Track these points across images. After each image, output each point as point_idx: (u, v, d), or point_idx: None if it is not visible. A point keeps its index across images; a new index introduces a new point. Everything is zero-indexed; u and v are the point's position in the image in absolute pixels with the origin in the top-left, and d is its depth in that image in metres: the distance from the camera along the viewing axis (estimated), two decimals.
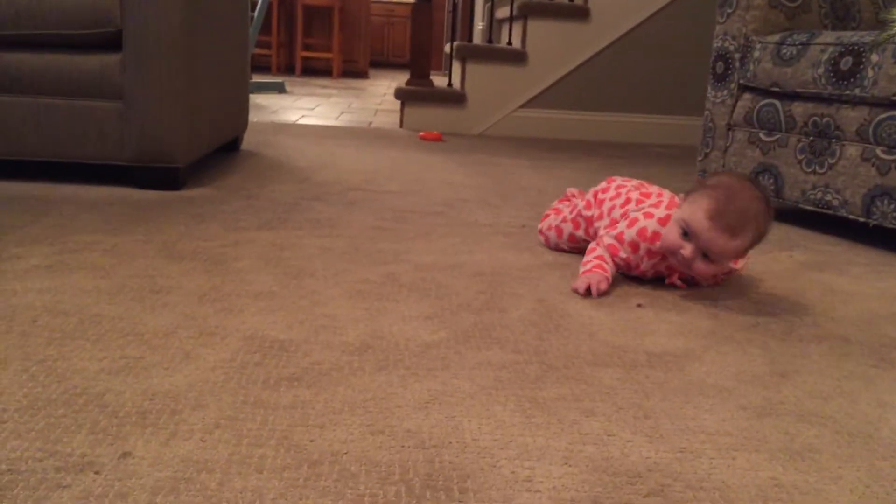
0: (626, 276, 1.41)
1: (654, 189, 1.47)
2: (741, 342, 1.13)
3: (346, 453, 0.75)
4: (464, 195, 2.15)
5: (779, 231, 1.92)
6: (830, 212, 1.83)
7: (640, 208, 1.38)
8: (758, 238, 1.26)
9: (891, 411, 0.93)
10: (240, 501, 0.66)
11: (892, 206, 1.68)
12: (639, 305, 1.26)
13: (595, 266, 1.33)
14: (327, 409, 0.83)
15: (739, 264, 1.40)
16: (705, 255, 1.25)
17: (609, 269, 1.33)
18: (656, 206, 1.37)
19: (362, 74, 8.33)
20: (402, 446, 0.77)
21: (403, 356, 0.99)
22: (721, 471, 0.76)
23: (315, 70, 8.09)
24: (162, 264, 1.31)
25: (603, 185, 1.52)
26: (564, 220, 1.57)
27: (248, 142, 2.85)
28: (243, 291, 1.20)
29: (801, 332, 1.19)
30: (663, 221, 1.32)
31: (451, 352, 1.02)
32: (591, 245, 1.40)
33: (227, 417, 0.80)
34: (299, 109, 4.35)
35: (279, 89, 5.41)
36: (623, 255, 1.35)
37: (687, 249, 1.25)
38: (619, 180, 1.51)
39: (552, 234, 1.59)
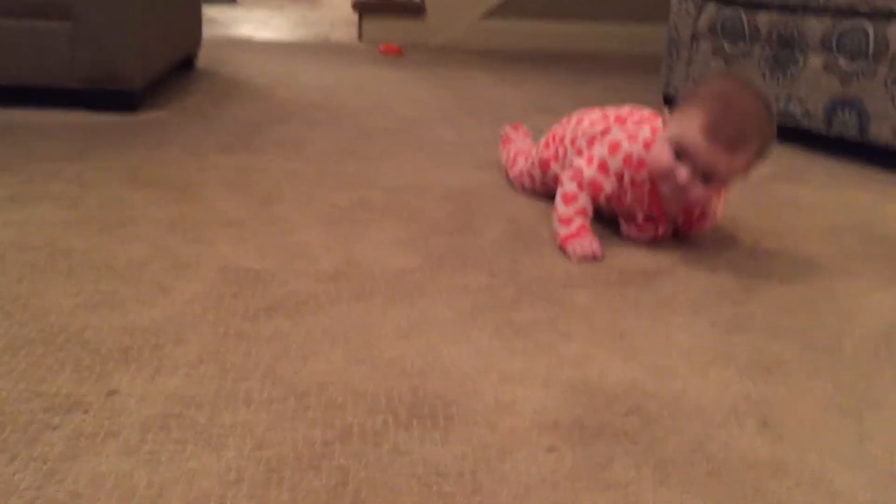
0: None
1: (625, 110, 1.27)
2: (709, 258, 1.15)
3: (331, 384, 0.76)
4: (427, 112, 2.12)
5: None
6: (793, 123, 1.84)
7: (622, 130, 1.20)
8: (763, 150, 1.09)
9: (853, 323, 0.96)
10: (231, 436, 0.67)
11: (853, 117, 1.71)
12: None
13: (580, 228, 1.15)
14: (308, 340, 0.84)
15: (719, 212, 1.23)
16: (704, 176, 1.08)
17: (590, 216, 1.18)
18: (639, 123, 1.20)
19: None
20: (386, 376, 0.78)
21: (379, 283, 1.00)
22: (695, 388, 0.79)
23: None
24: (127, 192, 1.29)
25: (563, 120, 1.37)
26: (533, 165, 1.39)
27: (203, 59, 2.76)
28: (212, 220, 1.19)
29: (766, 245, 1.22)
30: (650, 145, 1.15)
31: (426, 278, 1.02)
32: (568, 189, 1.18)
33: (209, 351, 0.80)
34: (253, 22, 4.21)
35: (230, 1, 5.22)
36: (608, 189, 1.17)
37: (682, 173, 1.07)
38: (580, 113, 1.35)
39: (527, 182, 1.41)
